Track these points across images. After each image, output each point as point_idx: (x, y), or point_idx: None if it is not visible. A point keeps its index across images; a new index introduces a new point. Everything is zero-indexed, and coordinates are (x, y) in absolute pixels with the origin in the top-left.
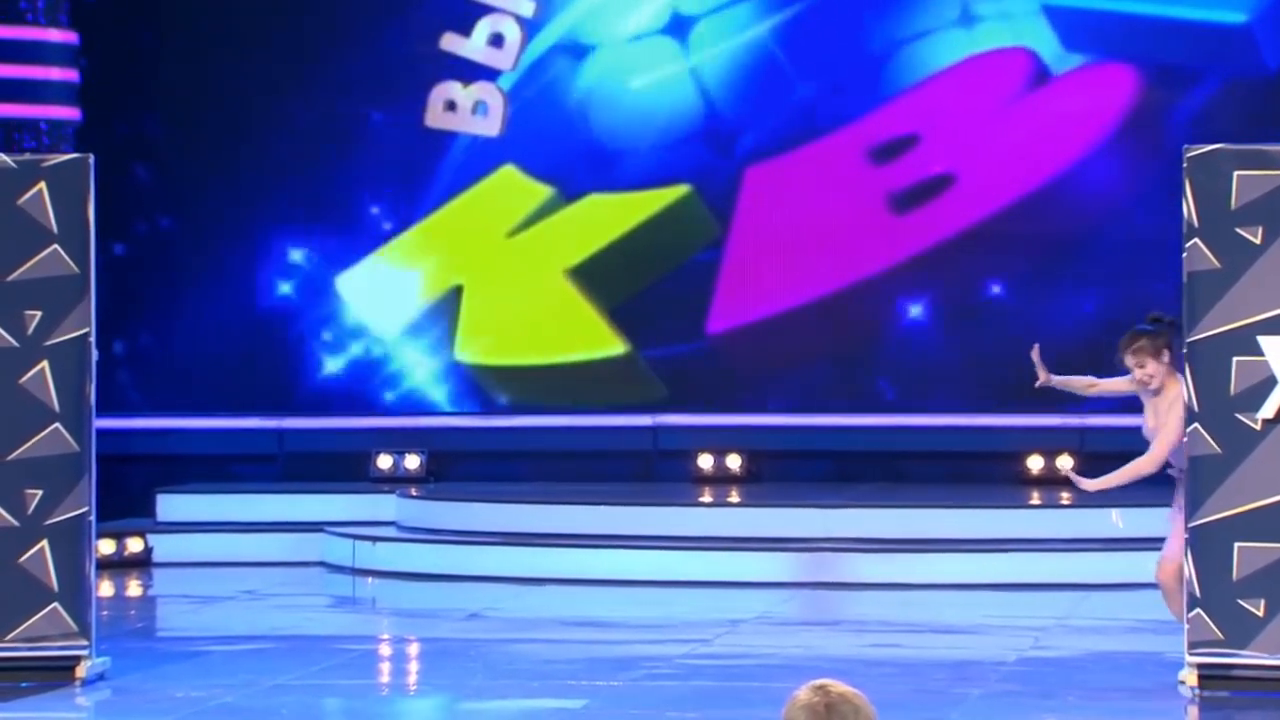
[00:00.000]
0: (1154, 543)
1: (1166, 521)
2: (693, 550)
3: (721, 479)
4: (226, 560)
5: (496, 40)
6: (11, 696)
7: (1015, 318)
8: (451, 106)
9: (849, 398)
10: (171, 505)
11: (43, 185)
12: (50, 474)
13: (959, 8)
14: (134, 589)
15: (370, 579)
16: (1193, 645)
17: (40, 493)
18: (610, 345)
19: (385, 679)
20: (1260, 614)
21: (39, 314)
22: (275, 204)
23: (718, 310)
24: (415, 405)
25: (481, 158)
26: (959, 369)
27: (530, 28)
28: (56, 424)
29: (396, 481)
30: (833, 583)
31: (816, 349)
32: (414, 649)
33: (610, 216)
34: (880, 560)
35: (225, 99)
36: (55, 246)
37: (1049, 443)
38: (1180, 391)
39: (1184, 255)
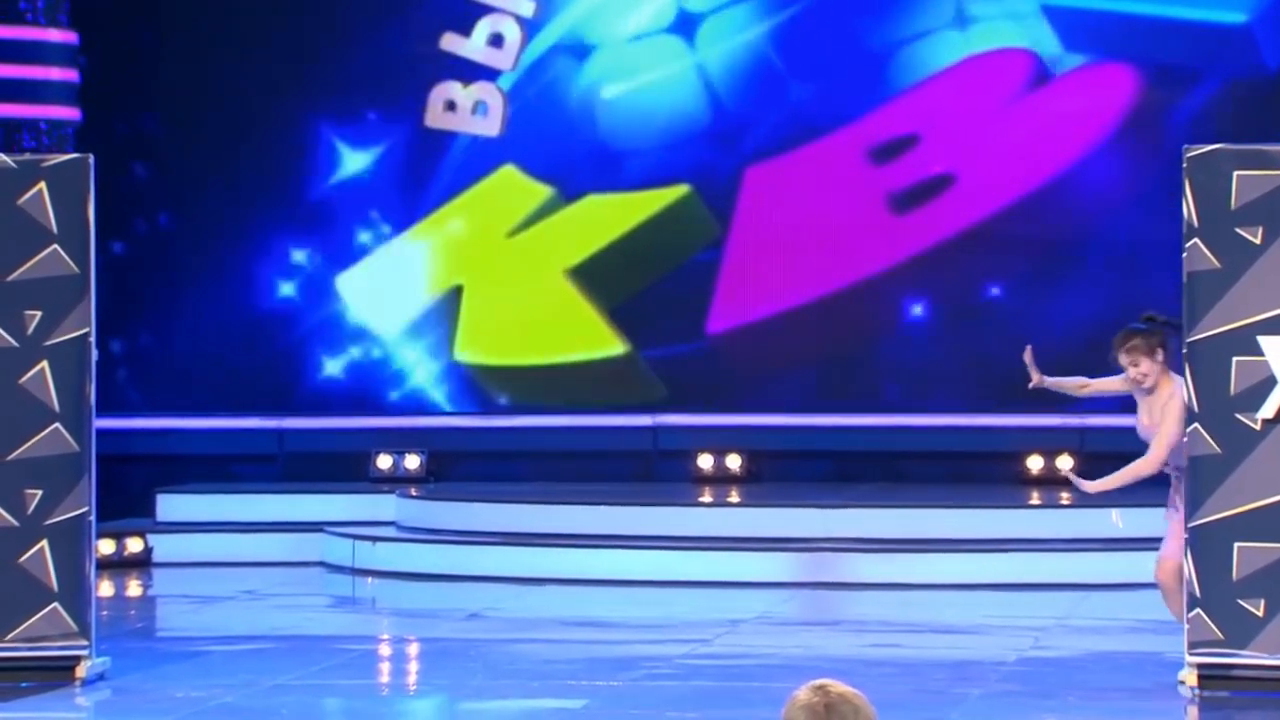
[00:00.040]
0: (1154, 543)
1: (1164, 521)
2: (693, 550)
3: (721, 479)
4: (226, 560)
5: (496, 40)
6: (11, 696)
7: (1015, 318)
8: (451, 106)
9: (849, 398)
10: (171, 505)
11: (43, 185)
12: (50, 474)
13: (959, 8)
14: (134, 589)
15: (370, 579)
16: (1193, 645)
17: (40, 493)
18: (610, 345)
19: (385, 679)
20: (1260, 614)
21: (39, 314)
22: (275, 204)
23: (718, 310)
24: (415, 405)
25: (481, 158)
26: (959, 369)
27: (530, 28)
28: (56, 424)
29: (396, 481)
30: (833, 583)
31: (817, 349)
32: (414, 649)
33: (610, 216)
34: (880, 560)
35: (225, 99)
36: (55, 246)
37: (1049, 443)
38: (1175, 390)
39: (1184, 255)
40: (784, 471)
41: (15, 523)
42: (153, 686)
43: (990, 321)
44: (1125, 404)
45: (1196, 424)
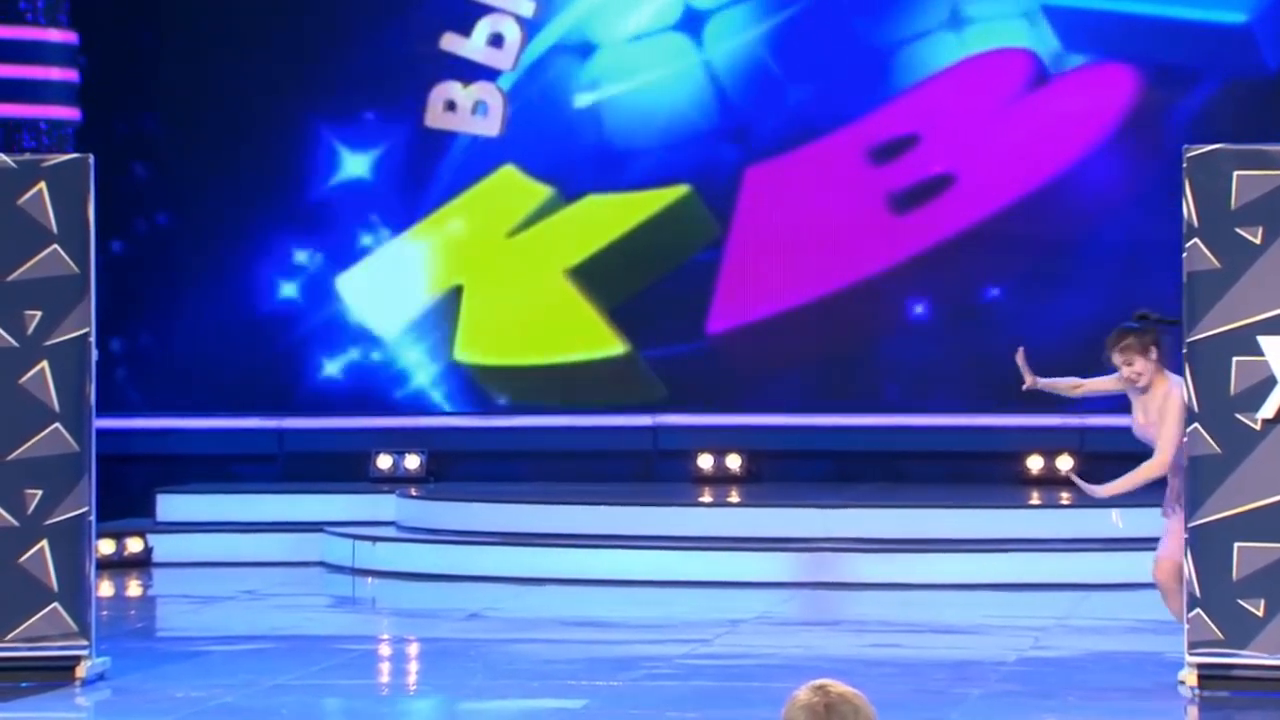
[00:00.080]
0: (1154, 543)
1: (1161, 519)
2: (693, 550)
3: (721, 479)
4: (226, 560)
5: (496, 40)
6: (11, 696)
7: (1015, 318)
8: (451, 106)
9: (849, 398)
10: (171, 505)
11: (43, 185)
12: (50, 474)
13: (959, 8)
14: (134, 589)
15: (370, 579)
16: (1193, 645)
17: (40, 493)
18: (610, 345)
19: (385, 679)
20: (1260, 614)
21: (39, 314)
22: (275, 203)
23: (718, 310)
24: (415, 405)
25: (481, 158)
26: (959, 369)
27: (530, 28)
28: (56, 424)
29: (396, 481)
30: (833, 583)
31: (817, 349)
32: (414, 649)
33: (610, 216)
34: (880, 560)
35: (225, 99)
36: (55, 246)
37: (1049, 443)
38: (1170, 388)
39: (1184, 255)
40: (784, 471)
41: (15, 523)
42: (153, 686)
43: (990, 321)
44: (1124, 403)
45: (1196, 424)
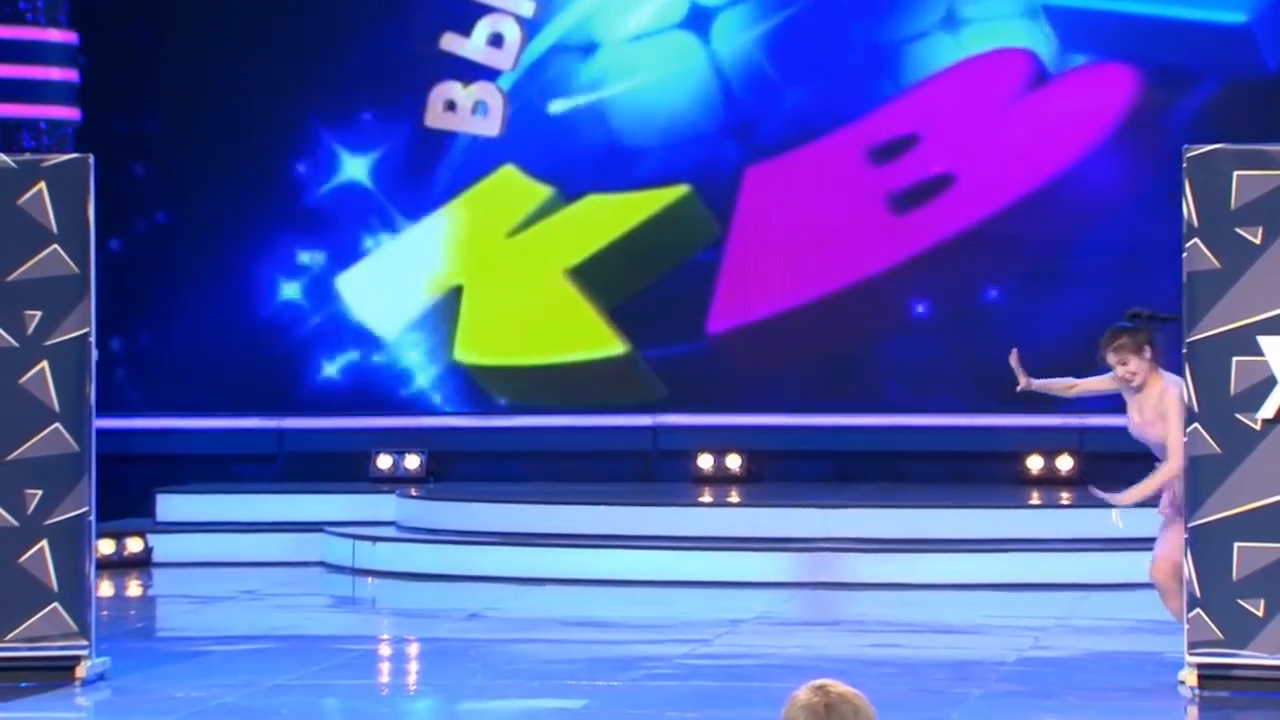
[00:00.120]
0: (1154, 543)
1: (1158, 515)
2: (693, 550)
3: (721, 479)
4: (226, 560)
5: (496, 40)
6: (11, 696)
7: (1015, 318)
8: (451, 106)
9: (849, 398)
10: (171, 505)
11: (43, 185)
12: (50, 474)
13: (959, 8)
14: (134, 589)
15: (370, 579)
16: (1193, 645)
17: (40, 493)
18: (610, 345)
19: (385, 679)
20: (1260, 614)
21: (39, 314)
22: (275, 203)
23: (718, 310)
24: (415, 405)
25: (481, 158)
26: (959, 369)
27: (530, 28)
28: (56, 424)
29: (396, 481)
30: (833, 583)
31: (817, 349)
32: (414, 649)
33: (610, 216)
34: (880, 560)
35: (225, 99)
36: (55, 246)
37: (1049, 443)
38: (1165, 387)
39: (1184, 255)
40: (784, 471)
41: (15, 523)
42: (153, 686)
43: (990, 321)
44: (1124, 403)
45: (1196, 424)
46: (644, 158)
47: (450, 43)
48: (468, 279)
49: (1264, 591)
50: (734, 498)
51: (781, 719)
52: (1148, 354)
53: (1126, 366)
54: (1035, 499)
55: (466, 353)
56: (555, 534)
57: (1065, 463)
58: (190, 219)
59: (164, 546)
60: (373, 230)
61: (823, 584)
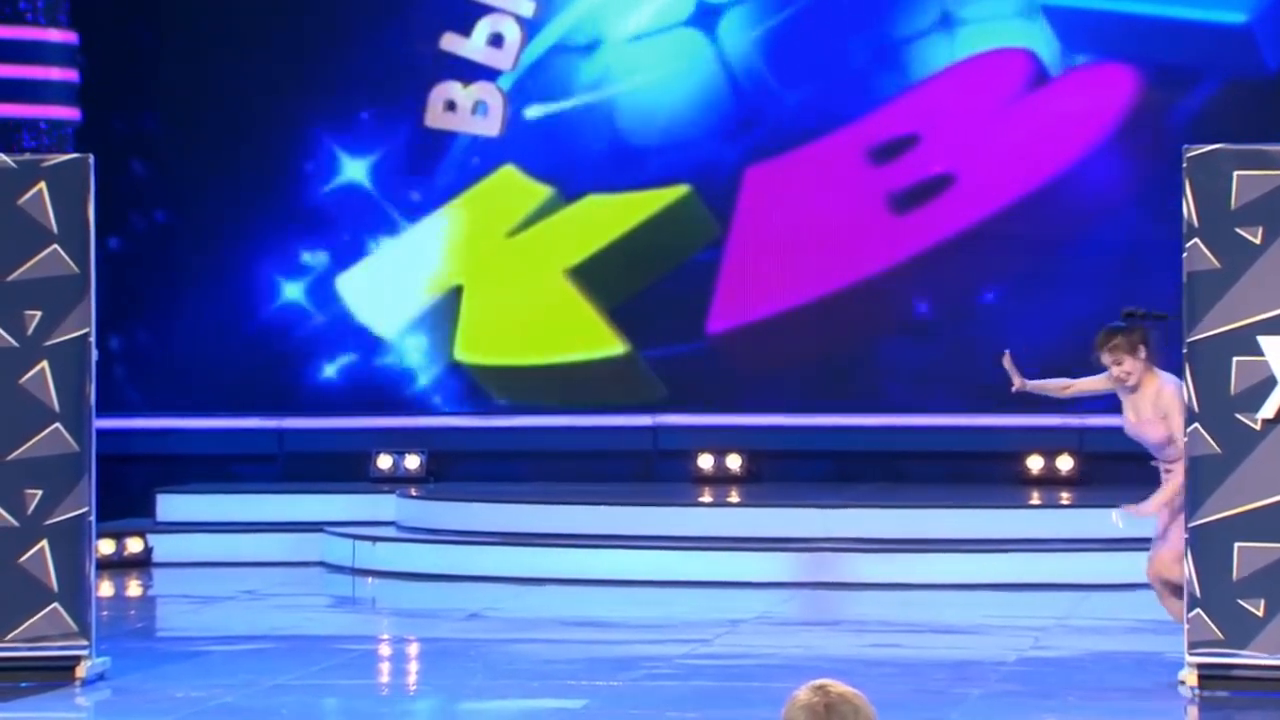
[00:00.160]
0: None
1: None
2: (693, 550)
3: (721, 479)
4: (226, 560)
5: (496, 40)
6: (11, 696)
7: (1015, 318)
8: (451, 106)
9: (849, 398)
10: (171, 505)
11: (43, 185)
12: (50, 474)
13: (958, 8)
14: (134, 589)
15: (370, 579)
16: (1193, 645)
17: (40, 493)
18: (610, 345)
19: (385, 679)
20: (1260, 614)
21: (39, 314)
22: (275, 203)
23: (718, 310)
24: (415, 405)
25: (481, 158)
26: (959, 369)
27: (530, 28)
28: (56, 424)
29: (396, 481)
30: (833, 583)
31: (817, 349)
32: (414, 649)
33: (610, 216)
34: (880, 560)
35: (225, 99)
36: (55, 246)
37: (1049, 443)
38: (1161, 386)
39: (1184, 255)
40: (784, 471)
41: (15, 523)
42: (153, 686)
43: (990, 321)
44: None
45: (1196, 424)
46: (644, 158)
47: (450, 43)
48: (468, 279)
49: (1264, 591)
50: (734, 498)
51: (781, 719)
52: (1142, 353)
53: (1121, 366)
54: (1035, 499)
55: (466, 353)
56: (555, 534)
57: (1065, 463)
58: (190, 219)
59: (164, 546)
60: (373, 230)
61: (823, 584)
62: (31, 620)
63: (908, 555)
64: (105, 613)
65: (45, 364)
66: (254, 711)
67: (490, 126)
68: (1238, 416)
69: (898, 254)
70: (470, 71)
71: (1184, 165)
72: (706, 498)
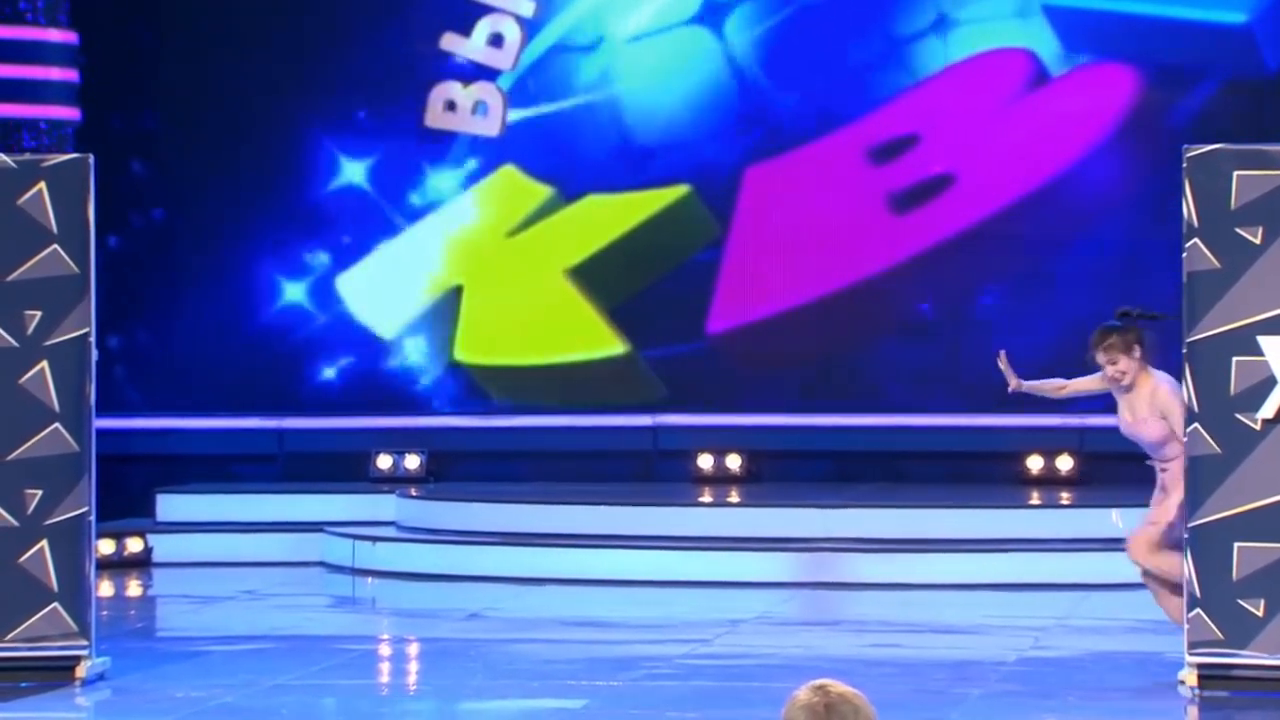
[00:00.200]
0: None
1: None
2: (693, 550)
3: (721, 479)
4: (226, 560)
5: (496, 40)
6: (11, 696)
7: (1014, 317)
8: (451, 106)
9: (849, 398)
10: (171, 505)
11: (43, 185)
12: (50, 474)
13: (958, 8)
14: (134, 589)
15: (370, 579)
16: (1193, 645)
17: (40, 493)
18: (610, 345)
19: (385, 679)
20: (1260, 614)
21: (39, 314)
22: (275, 203)
23: (718, 310)
24: (415, 405)
25: (481, 158)
26: (959, 369)
27: (530, 28)
28: (56, 424)
29: (396, 481)
30: (833, 583)
31: (817, 349)
32: (414, 649)
33: (610, 216)
34: (880, 560)
35: (225, 99)
36: (55, 246)
37: (1049, 443)
38: (1155, 385)
39: (1184, 255)
40: (784, 471)
41: (15, 523)
42: (153, 686)
43: (990, 321)
44: None
45: (1196, 424)
46: (644, 158)
47: (450, 43)
48: (468, 279)
49: (1264, 591)
50: (734, 498)
51: (781, 719)
52: (1137, 353)
53: (1116, 366)
54: (1035, 499)
55: (466, 353)
56: (555, 534)
57: (1065, 463)
58: (190, 219)
59: (164, 546)
60: (373, 230)
61: (823, 584)
62: (31, 620)
63: (908, 555)
64: (105, 613)
65: (45, 364)
66: (254, 711)
67: (490, 126)
68: (1238, 416)
69: (898, 254)
70: (470, 71)
71: (1184, 165)
72: (706, 498)
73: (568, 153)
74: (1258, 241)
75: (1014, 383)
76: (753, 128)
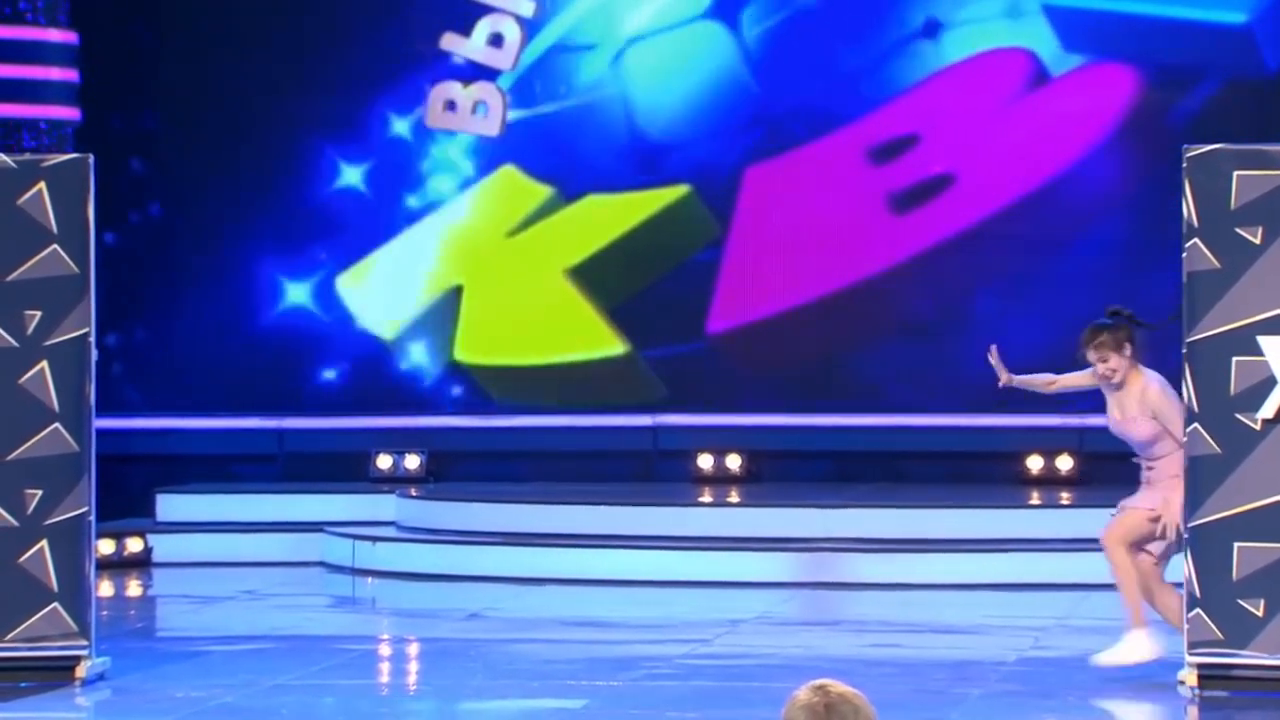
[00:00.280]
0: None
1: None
2: (693, 550)
3: (721, 479)
4: (226, 560)
5: (496, 40)
6: (11, 696)
7: (1015, 318)
8: (451, 106)
9: (849, 398)
10: (171, 505)
11: (42, 185)
12: (50, 474)
13: (958, 7)
14: (134, 589)
15: (370, 579)
16: (1193, 645)
17: (40, 493)
18: (610, 345)
19: (385, 679)
20: (1260, 614)
21: (39, 314)
22: (275, 203)
23: (718, 310)
24: (415, 405)
25: (482, 158)
26: (959, 369)
27: (530, 28)
28: (56, 424)
29: (396, 481)
30: (833, 583)
31: (817, 349)
32: (414, 649)
33: (610, 216)
34: (880, 560)
35: (225, 99)
36: (55, 246)
37: (1049, 443)
38: (1145, 384)
39: (1184, 255)
40: (784, 471)
41: (15, 523)
42: (153, 686)
43: (990, 321)
44: None
45: (1196, 424)
46: (644, 157)
47: (450, 43)
48: (468, 279)
49: (1264, 591)
50: (734, 498)
51: (781, 719)
52: (1128, 351)
53: (1107, 364)
54: (1035, 499)
55: (466, 353)
56: (555, 534)
57: (1065, 463)
58: (190, 219)
59: (164, 546)
60: (372, 230)
61: (823, 584)
62: (31, 620)
63: (908, 555)
64: (105, 613)
65: (45, 364)
66: (254, 711)
67: (490, 126)
68: (1237, 416)
69: (898, 254)
70: (470, 71)
71: (1184, 165)
72: (706, 498)
73: (568, 153)
74: (1258, 241)
75: (1004, 377)
76: (753, 128)
